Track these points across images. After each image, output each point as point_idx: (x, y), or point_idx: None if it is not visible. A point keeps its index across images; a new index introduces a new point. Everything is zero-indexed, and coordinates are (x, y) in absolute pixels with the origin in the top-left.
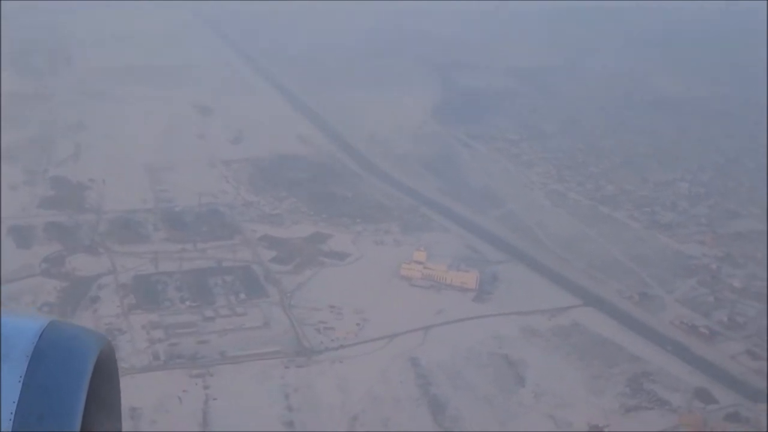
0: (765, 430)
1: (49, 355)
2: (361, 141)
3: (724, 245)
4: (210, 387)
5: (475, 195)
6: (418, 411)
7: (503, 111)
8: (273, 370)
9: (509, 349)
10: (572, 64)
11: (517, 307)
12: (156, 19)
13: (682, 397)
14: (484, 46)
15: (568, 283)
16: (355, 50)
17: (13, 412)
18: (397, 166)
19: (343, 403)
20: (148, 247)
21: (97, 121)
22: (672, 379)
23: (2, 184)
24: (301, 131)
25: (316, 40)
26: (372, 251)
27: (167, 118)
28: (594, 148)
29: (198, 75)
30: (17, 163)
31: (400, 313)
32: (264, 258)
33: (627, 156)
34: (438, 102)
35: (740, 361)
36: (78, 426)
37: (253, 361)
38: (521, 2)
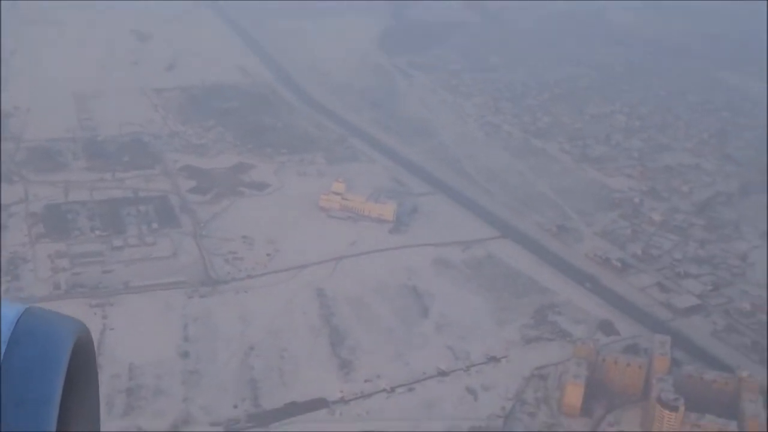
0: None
1: (26, 342)
2: (300, 71)
3: (650, 179)
4: (108, 317)
5: (407, 126)
6: (317, 342)
7: (451, 42)
8: (175, 300)
9: (418, 281)
10: None
11: (433, 239)
12: None
13: (586, 329)
14: None
15: (489, 216)
16: None
17: None
18: (334, 96)
19: (241, 334)
20: (65, 176)
21: (31, 46)
22: (578, 312)
23: None
24: (240, 60)
25: None
26: (293, 182)
27: (103, 43)
28: (537, 80)
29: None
30: None
31: (312, 245)
32: (182, 188)
33: (569, 89)
34: (384, 33)
35: (649, 293)
36: (55, 413)
37: (156, 291)
38: None
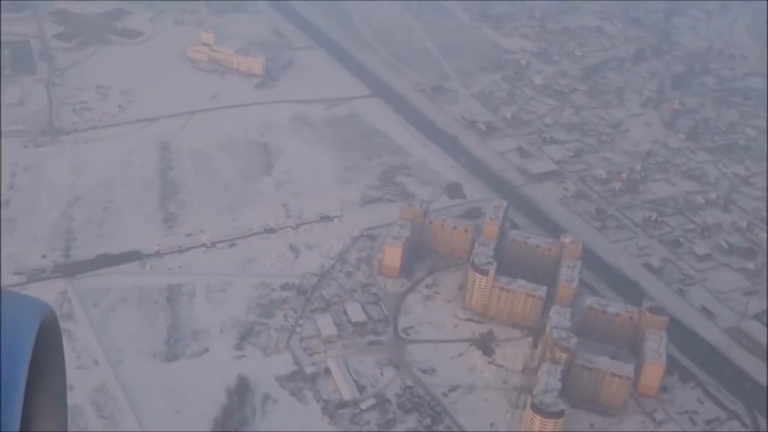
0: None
1: None
2: None
3: (546, 40)
4: None
5: None
6: (147, 195)
7: None
8: (10, 149)
9: (271, 138)
10: None
11: (299, 96)
12: None
13: (431, 191)
14: None
15: (365, 73)
16: None
17: None
18: None
19: (71, 185)
20: None
21: None
22: (429, 174)
23: None
24: None
25: None
26: (168, 31)
27: None
28: None
29: None
30: None
31: (170, 97)
32: (48, 33)
33: None
34: None
35: (507, 158)
36: (21, 395)
37: None
38: None
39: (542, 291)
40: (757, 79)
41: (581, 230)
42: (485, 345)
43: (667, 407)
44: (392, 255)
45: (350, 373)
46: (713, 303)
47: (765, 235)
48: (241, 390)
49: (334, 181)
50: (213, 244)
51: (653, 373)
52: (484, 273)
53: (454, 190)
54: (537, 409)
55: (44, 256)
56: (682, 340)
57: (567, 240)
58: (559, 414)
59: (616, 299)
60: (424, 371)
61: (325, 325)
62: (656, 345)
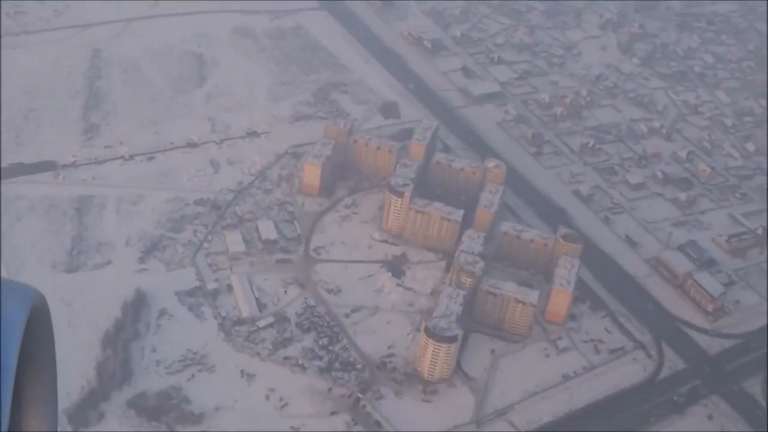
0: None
1: None
2: None
3: None
4: None
5: None
6: (71, 104)
7: None
8: None
9: (208, 49)
10: None
11: (243, 5)
12: None
13: (366, 110)
14: None
15: None
16: None
17: None
18: None
19: None
20: None
21: None
22: (366, 92)
23: None
24: None
25: None
26: None
27: None
28: None
29: None
30: None
31: (109, 2)
32: None
33: None
34: None
35: (451, 78)
36: (11, 380)
37: None
38: None
39: (458, 215)
40: (725, 4)
41: (516, 155)
42: (396, 267)
43: (573, 335)
44: (311, 173)
45: (252, 291)
46: (639, 233)
47: (704, 166)
48: (137, 304)
49: (267, 96)
50: (131, 157)
51: (560, 301)
52: (400, 195)
53: (389, 110)
54: (430, 333)
55: None
56: (600, 269)
57: (491, 164)
58: (451, 339)
59: (542, 227)
60: (329, 291)
61: (234, 241)
62: (566, 273)
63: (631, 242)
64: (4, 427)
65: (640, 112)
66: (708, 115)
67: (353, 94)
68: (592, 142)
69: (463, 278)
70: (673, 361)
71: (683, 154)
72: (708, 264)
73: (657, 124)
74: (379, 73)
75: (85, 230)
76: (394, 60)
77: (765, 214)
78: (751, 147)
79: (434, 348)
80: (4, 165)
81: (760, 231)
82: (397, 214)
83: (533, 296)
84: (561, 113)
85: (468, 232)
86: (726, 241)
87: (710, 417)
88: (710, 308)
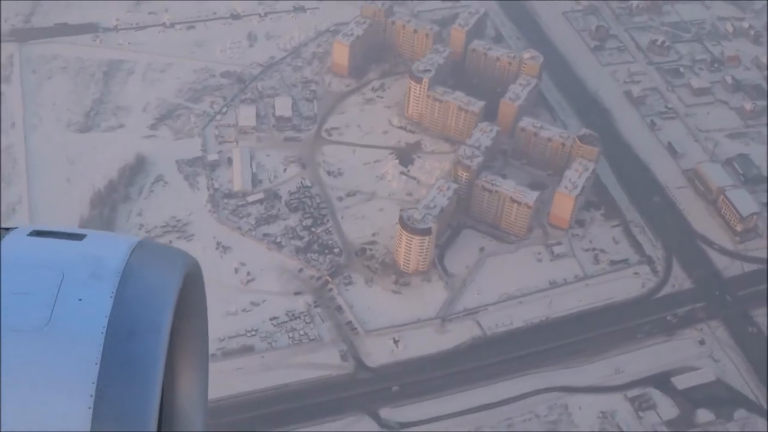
0: None
1: (139, 273)
2: None
3: None
4: None
5: None
6: None
7: None
8: None
9: None
10: None
11: None
12: None
13: None
14: None
15: None
16: None
17: (105, 326)
18: None
19: None
20: None
21: None
22: None
23: None
24: None
25: None
26: None
27: None
28: None
29: None
30: None
31: None
32: None
33: None
34: None
35: None
36: (166, 343)
37: None
38: None
39: (477, 106)
40: None
41: (573, 48)
42: (405, 155)
43: (575, 242)
44: (340, 53)
45: (251, 166)
46: (687, 141)
47: None
48: (135, 168)
49: None
50: (171, 25)
51: (563, 205)
52: (419, 81)
53: None
54: (403, 223)
55: (6, 20)
56: (631, 175)
57: (527, 55)
58: (424, 232)
59: (577, 127)
60: (329, 173)
61: (245, 115)
62: (576, 176)
63: (672, 150)
64: (158, 384)
65: (732, 10)
66: None
67: None
68: (662, 40)
69: (459, 172)
70: (680, 280)
71: (765, 60)
72: (755, 181)
73: (746, 24)
74: None
75: (107, 93)
76: None
77: None
78: None
79: (407, 239)
80: (49, 25)
81: None
82: (417, 100)
83: (531, 197)
84: (637, 6)
85: (482, 124)
86: None
87: (702, 342)
88: (739, 228)
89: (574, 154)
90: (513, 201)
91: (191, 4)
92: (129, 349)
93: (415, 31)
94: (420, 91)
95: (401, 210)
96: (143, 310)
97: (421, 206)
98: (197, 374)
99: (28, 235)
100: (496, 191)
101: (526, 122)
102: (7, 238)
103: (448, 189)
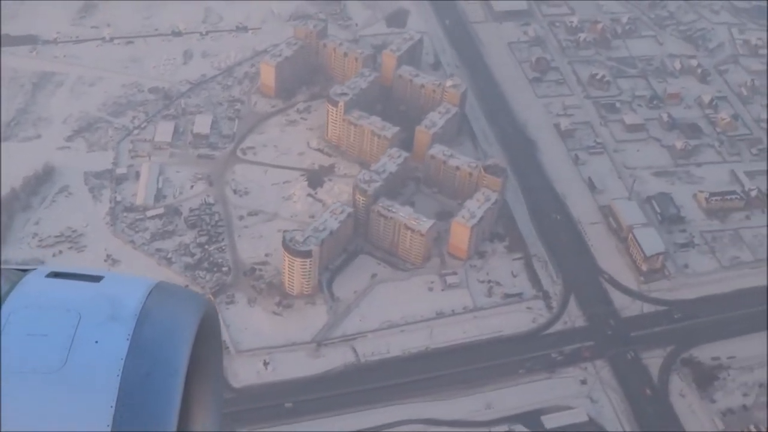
0: None
1: (156, 316)
2: None
3: None
4: None
5: None
6: None
7: None
8: None
9: None
10: None
11: None
12: None
13: (371, 16)
14: None
15: None
16: None
17: (121, 369)
18: None
19: None
20: None
21: None
22: None
23: None
24: None
25: None
26: None
27: None
28: None
29: None
30: None
31: None
32: None
33: None
34: None
35: None
36: (182, 384)
37: None
38: None
39: (390, 131)
40: None
41: (511, 79)
42: (316, 177)
43: (471, 273)
44: (267, 73)
45: (157, 181)
46: (611, 177)
47: (725, 114)
48: (42, 178)
49: None
50: (111, 39)
51: (460, 235)
52: (335, 104)
53: (396, 18)
54: (285, 245)
55: None
56: (544, 209)
57: (449, 83)
58: (305, 254)
59: (500, 156)
60: (235, 191)
61: (163, 131)
62: (476, 206)
63: (591, 185)
64: (173, 427)
65: (685, 48)
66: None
67: None
68: (601, 74)
69: (356, 196)
70: (574, 317)
71: (707, 99)
72: (672, 221)
73: (694, 63)
74: None
75: (33, 104)
76: None
77: None
78: None
79: (290, 261)
80: None
81: (754, 193)
82: (335, 124)
83: (425, 225)
84: (584, 39)
85: (391, 150)
86: (705, 199)
87: (584, 381)
88: (644, 267)
89: (480, 183)
90: (407, 228)
91: (136, 19)
92: (145, 391)
93: (346, 54)
94: (336, 114)
95: (285, 231)
96: (160, 352)
97: (310, 228)
98: (212, 413)
99: (46, 276)
100: (391, 217)
101: (437, 150)
102: (25, 280)
103: (341, 213)
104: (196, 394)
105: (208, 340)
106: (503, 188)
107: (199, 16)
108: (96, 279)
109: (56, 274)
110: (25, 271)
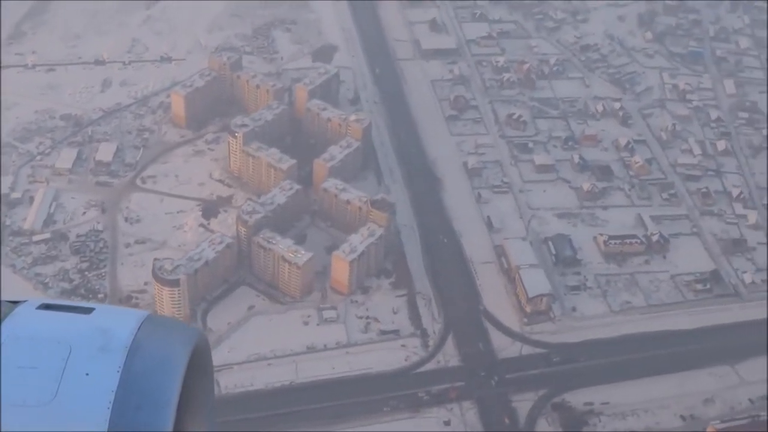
0: None
1: (146, 348)
2: None
3: None
4: None
5: None
6: (13, 10)
7: None
8: None
9: None
10: None
11: None
12: None
13: (298, 51)
14: None
15: None
16: None
17: (111, 401)
18: None
19: None
20: None
21: None
22: (312, 32)
23: None
24: None
25: None
26: None
27: None
28: None
29: None
30: None
31: None
32: None
33: None
34: None
35: (414, 30)
36: (172, 417)
37: None
38: None
39: (287, 163)
40: None
41: (428, 116)
42: (211, 208)
43: (351, 308)
44: (177, 103)
45: (49, 207)
46: (511, 217)
47: (638, 158)
48: None
49: (206, 25)
50: (33, 66)
51: (340, 269)
52: (234, 135)
53: (323, 53)
54: (155, 273)
55: None
56: (438, 247)
57: (352, 118)
58: (173, 283)
59: (401, 192)
60: (127, 219)
61: (65, 158)
62: (359, 240)
63: (489, 224)
64: None
65: (612, 91)
66: (694, 104)
67: (297, 33)
68: (518, 114)
69: (239, 227)
70: (449, 357)
71: (623, 141)
72: (567, 263)
73: (617, 105)
74: (340, 16)
75: None
76: (365, 6)
77: (685, 221)
78: (721, 145)
79: (158, 290)
80: None
81: (655, 238)
82: (235, 155)
83: (302, 258)
84: (507, 79)
85: (284, 182)
86: (604, 242)
87: (447, 422)
88: (527, 308)
89: (368, 218)
90: (285, 261)
91: (61, 48)
92: (136, 423)
93: (258, 86)
94: (236, 146)
95: (155, 260)
96: (150, 384)
97: (186, 258)
98: None
99: (36, 308)
100: (270, 249)
101: (330, 183)
102: (16, 312)
103: (219, 243)
104: (186, 426)
105: (199, 372)
106: (389, 224)
107: (125, 46)
108: (87, 311)
109: (47, 306)
110: (15, 303)
